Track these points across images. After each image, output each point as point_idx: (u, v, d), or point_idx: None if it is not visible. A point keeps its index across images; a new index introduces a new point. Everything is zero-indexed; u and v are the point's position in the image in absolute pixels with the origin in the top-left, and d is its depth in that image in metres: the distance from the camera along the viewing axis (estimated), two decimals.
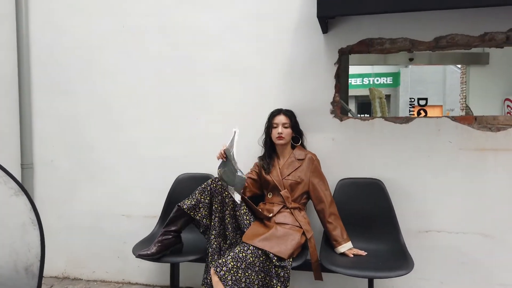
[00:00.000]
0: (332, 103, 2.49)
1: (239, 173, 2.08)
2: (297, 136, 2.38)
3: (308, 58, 2.52)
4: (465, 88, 9.92)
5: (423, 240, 2.40)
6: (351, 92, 14.76)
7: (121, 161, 2.83)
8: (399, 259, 2.08)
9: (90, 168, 2.88)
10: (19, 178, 2.89)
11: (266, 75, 2.60)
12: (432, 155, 2.37)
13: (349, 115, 2.87)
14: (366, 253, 2.18)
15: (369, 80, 15.34)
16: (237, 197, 2.11)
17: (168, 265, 2.55)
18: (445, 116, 2.35)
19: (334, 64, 2.47)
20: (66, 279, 2.93)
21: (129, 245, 2.77)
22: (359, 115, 2.47)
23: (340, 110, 2.52)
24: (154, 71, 2.77)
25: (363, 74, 15.55)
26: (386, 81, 16.03)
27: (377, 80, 15.79)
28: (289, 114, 2.36)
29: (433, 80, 14.66)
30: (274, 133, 2.32)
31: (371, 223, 2.34)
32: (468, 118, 2.33)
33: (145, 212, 2.79)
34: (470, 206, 2.34)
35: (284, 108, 2.40)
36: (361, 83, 15.54)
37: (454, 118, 2.34)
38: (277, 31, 2.56)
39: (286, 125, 2.31)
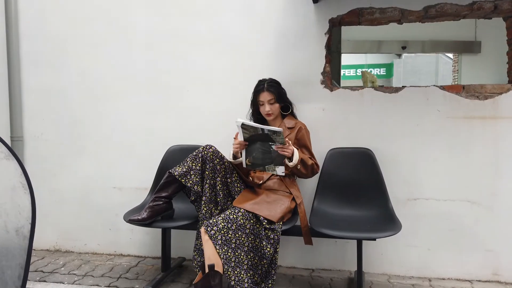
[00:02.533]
0: (322, 73, 2.51)
1: (273, 146, 2.02)
2: (287, 105, 2.38)
3: (298, 28, 2.53)
4: (457, 77, 9.98)
5: (412, 208, 2.43)
6: (345, 83, 14.80)
7: (111, 134, 2.83)
8: (387, 223, 2.11)
9: (80, 141, 2.88)
10: None
11: (255, 46, 2.60)
12: (421, 123, 2.40)
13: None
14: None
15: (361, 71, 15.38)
16: (281, 170, 2.06)
17: (160, 236, 2.56)
18: (434, 85, 2.37)
19: (325, 34, 2.48)
20: (57, 251, 2.93)
21: (120, 217, 2.76)
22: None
23: (330, 81, 2.53)
24: (142, 43, 2.77)
25: (357, 65, 15.59)
26: (380, 72, 16.09)
27: (371, 71, 15.83)
28: (273, 89, 2.28)
29: (426, 71, 14.75)
30: (262, 110, 2.31)
31: (361, 191, 2.36)
32: (456, 87, 2.36)
33: (137, 184, 2.79)
34: (457, 174, 2.37)
35: (268, 78, 2.35)
36: (354, 74, 15.58)
37: (442, 87, 2.36)
38: (266, 0, 2.57)
39: (271, 101, 2.28)
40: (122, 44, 2.80)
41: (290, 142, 2.09)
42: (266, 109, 2.28)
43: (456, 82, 9.95)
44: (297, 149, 2.17)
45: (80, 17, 2.85)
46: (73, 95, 2.88)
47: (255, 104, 2.35)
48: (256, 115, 2.39)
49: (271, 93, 2.28)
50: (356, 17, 2.46)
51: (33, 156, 2.96)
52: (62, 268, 2.60)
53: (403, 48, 9.26)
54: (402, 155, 2.43)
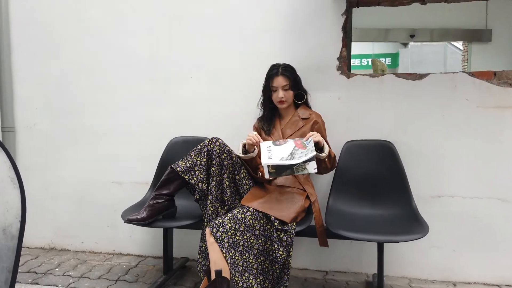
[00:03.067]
0: (338, 58, 2.29)
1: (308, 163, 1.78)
2: (301, 93, 2.18)
3: (313, 9, 2.30)
4: (466, 67, 9.73)
5: (436, 205, 2.23)
6: None
7: (110, 125, 2.63)
8: (411, 224, 1.91)
9: (76, 133, 2.68)
10: None
11: (265, 29, 2.39)
12: (447, 113, 2.19)
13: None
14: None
15: (367, 61, 15.11)
16: (312, 167, 1.77)
17: (161, 235, 2.37)
18: (462, 71, 2.16)
19: (342, 15, 2.26)
20: (52, 250, 2.75)
21: (119, 214, 2.56)
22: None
23: (347, 66, 2.32)
24: (143, 28, 2.55)
25: (363, 55, 15.29)
26: (385, 61, 15.79)
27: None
28: (288, 74, 2.09)
29: (433, 61, 14.45)
30: (275, 97, 2.11)
31: (380, 188, 2.16)
32: (486, 73, 2.14)
33: (137, 179, 2.60)
34: (487, 169, 2.16)
35: (282, 63, 2.15)
36: (359, 64, 15.29)
37: (471, 74, 2.15)
38: None
39: (286, 87, 2.09)
40: (121, 29, 2.58)
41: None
42: (279, 95, 2.08)
43: None
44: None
45: (75, 1, 2.63)
46: (69, 83, 2.67)
47: (267, 90, 2.14)
48: (268, 104, 2.18)
49: (286, 78, 2.08)
50: None
51: (25, 148, 2.76)
52: (57, 269, 2.42)
53: (411, 36, 9.00)
54: (426, 148, 2.22)
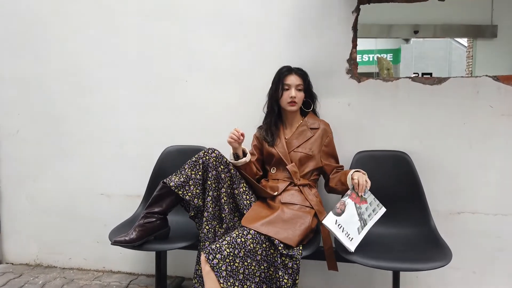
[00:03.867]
0: (348, 60, 2.08)
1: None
2: (308, 101, 1.99)
3: (320, 6, 2.09)
4: (471, 63, 9.53)
5: (455, 223, 2.04)
6: None
7: (98, 132, 2.43)
8: (431, 248, 1.71)
9: (62, 141, 2.48)
10: None
11: (268, 28, 2.18)
12: (469, 122, 1.98)
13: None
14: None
15: (369, 57, 14.90)
16: (382, 211, 1.75)
17: (155, 253, 2.18)
18: (486, 75, 1.95)
19: (352, 12, 2.05)
20: (38, 266, 2.56)
21: (109, 229, 2.35)
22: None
23: (357, 70, 2.11)
24: (133, 26, 2.34)
25: (365, 51, 15.07)
26: (386, 57, 15.56)
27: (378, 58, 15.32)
28: (303, 74, 1.96)
29: (436, 57, 14.25)
30: (286, 97, 1.91)
31: (395, 203, 1.95)
32: None
33: (128, 191, 2.40)
34: None
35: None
36: (360, 59, 15.07)
37: (496, 78, 1.94)
38: None
39: (299, 87, 1.92)
40: (110, 27, 2.37)
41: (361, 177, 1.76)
42: (291, 93, 1.89)
43: (470, 69, 9.49)
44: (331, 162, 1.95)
45: None
46: (54, 87, 2.47)
47: (277, 90, 1.94)
48: (276, 107, 1.97)
49: (300, 77, 1.93)
50: None
51: (8, 157, 2.56)
52: None
53: (415, 32, 8.78)
54: (445, 160, 2.02)
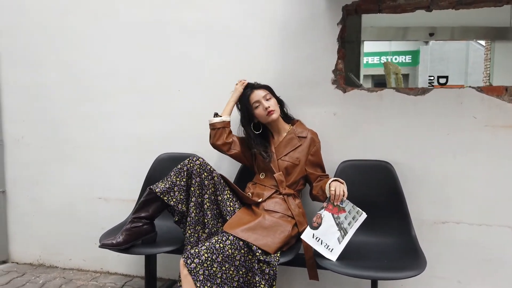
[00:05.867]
0: (334, 71, 2.12)
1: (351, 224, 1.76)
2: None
3: (306, 17, 2.14)
4: (489, 66, 9.34)
5: (439, 232, 2.04)
6: (367, 71, 14.18)
7: (95, 139, 2.53)
8: (408, 257, 1.74)
9: (62, 146, 2.60)
10: None
11: (253, 39, 2.24)
12: (452, 132, 1.99)
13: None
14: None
15: (386, 59, 14.72)
16: (362, 218, 1.75)
17: None
18: (469, 87, 1.96)
19: (337, 24, 2.09)
20: (41, 266, 2.68)
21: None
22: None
23: (344, 80, 2.14)
24: (126, 36, 2.44)
25: (380, 53, 14.91)
26: (405, 59, 15.35)
27: (395, 59, 15.15)
28: (262, 85, 2.00)
29: (455, 58, 13.98)
30: (261, 112, 1.94)
31: (377, 212, 1.97)
32: (497, 89, 1.93)
33: (124, 195, 2.49)
34: (496, 194, 1.96)
35: (257, 83, 2.03)
36: (378, 61, 14.90)
37: (480, 89, 1.94)
38: None
39: (267, 96, 1.95)
40: (104, 39, 2.48)
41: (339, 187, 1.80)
42: (265, 105, 1.92)
43: (488, 72, 9.30)
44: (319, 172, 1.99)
45: (58, 10, 2.54)
46: (56, 95, 2.59)
47: (248, 112, 1.98)
48: (254, 130, 2.02)
49: (262, 88, 1.97)
50: (375, 3, 2.06)
51: (14, 162, 2.69)
52: None
53: (431, 35, 8.65)
54: (429, 170, 2.03)
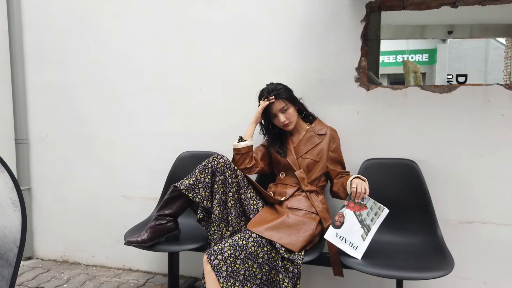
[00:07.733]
0: (357, 69, 2.10)
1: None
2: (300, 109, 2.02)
3: (329, 14, 2.12)
4: (509, 64, 9.16)
5: (465, 233, 2.01)
6: (384, 70, 14.03)
7: (118, 137, 2.56)
8: (435, 257, 1.71)
9: (85, 145, 2.63)
10: (13, 154, 2.69)
11: (275, 37, 2.23)
12: (479, 131, 1.96)
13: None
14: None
15: (403, 58, 14.52)
16: (385, 213, 1.73)
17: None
18: (497, 84, 1.92)
19: (361, 21, 2.07)
20: (65, 262, 2.73)
21: (129, 229, 2.51)
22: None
23: (367, 77, 2.13)
24: (150, 36, 2.46)
25: (397, 51, 14.72)
26: (422, 58, 15.14)
27: (412, 57, 14.95)
28: (280, 94, 1.91)
29: (474, 57, 13.71)
30: (277, 122, 1.95)
31: (402, 212, 1.96)
32: None
33: (146, 193, 2.52)
34: None
35: (268, 84, 1.98)
36: (394, 60, 14.73)
37: (508, 86, 1.91)
38: None
39: (284, 108, 1.91)
40: (126, 36, 2.50)
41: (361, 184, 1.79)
42: (281, 120, 1.91)
43: (508, 70, 9.11)
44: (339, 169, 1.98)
45: (85, 9, 2.57)
46: (79, 94, 2.62)
47: (266, 117, 1.99)
48: (272, 130, 2.03)
49: (280, 100, 1.91)
50: (400, 0, 2.03)
51: (39, 160, 2.74)
52: (65, 285, 2.38)
53: (449, 33, 8.51)
54: (455, 169, 2.00)
